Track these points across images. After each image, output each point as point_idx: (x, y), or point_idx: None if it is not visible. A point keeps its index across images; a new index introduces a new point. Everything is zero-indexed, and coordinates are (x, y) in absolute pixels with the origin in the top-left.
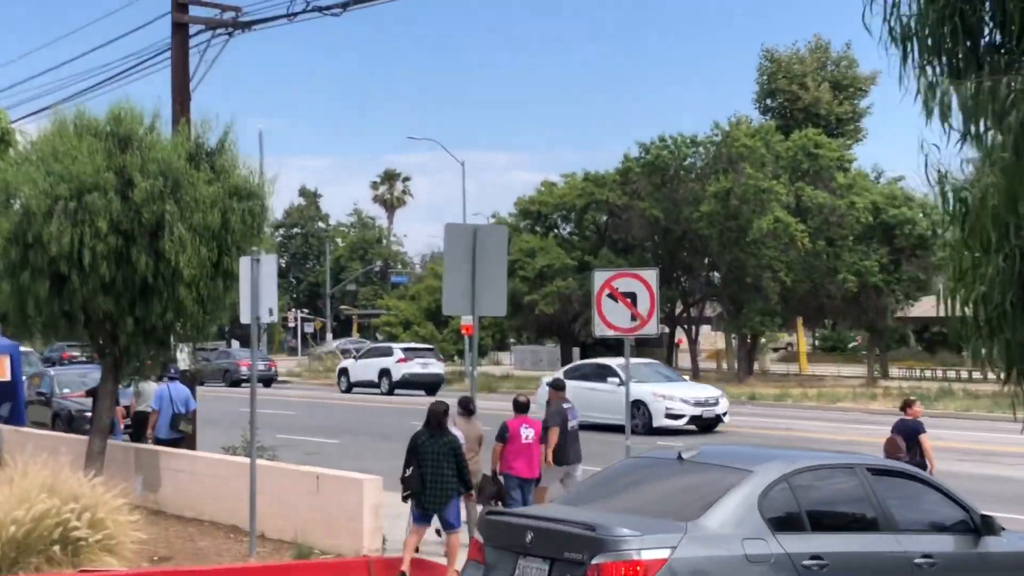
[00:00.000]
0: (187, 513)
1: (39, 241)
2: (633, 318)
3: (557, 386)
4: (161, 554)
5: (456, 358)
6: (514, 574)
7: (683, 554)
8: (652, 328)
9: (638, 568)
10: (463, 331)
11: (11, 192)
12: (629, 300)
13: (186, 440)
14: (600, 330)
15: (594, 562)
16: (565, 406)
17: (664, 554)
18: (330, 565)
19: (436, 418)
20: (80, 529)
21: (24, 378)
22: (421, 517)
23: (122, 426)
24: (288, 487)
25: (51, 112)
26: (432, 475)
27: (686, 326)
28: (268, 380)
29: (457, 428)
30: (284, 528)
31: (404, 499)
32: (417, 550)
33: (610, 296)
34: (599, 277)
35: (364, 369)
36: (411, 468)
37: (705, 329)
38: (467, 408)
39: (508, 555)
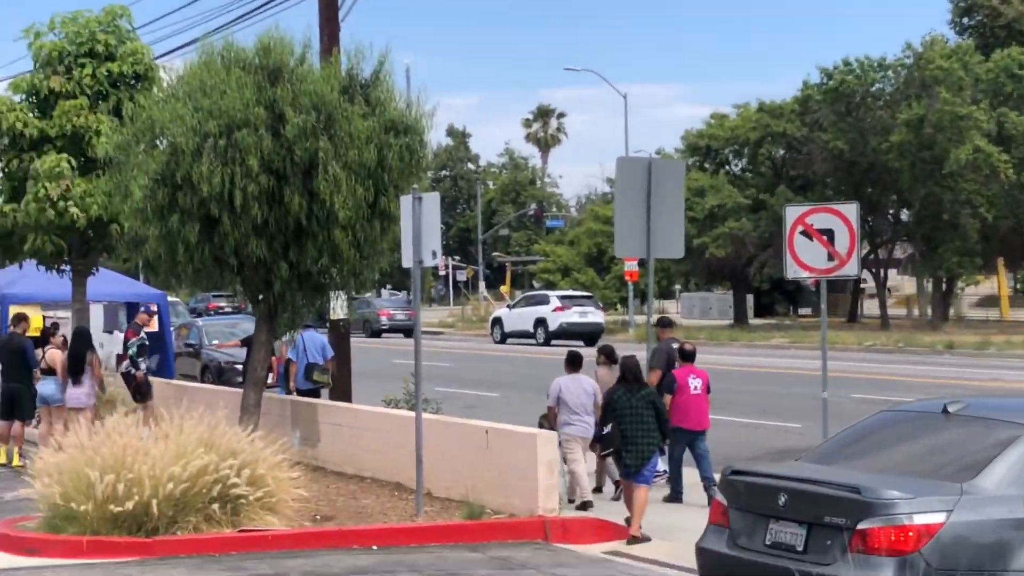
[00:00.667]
0: (348, 469)
1: (188, 181)
2: (830, 258)
3: (663, 324)
4: (323, 513)
5: (619, 306)
6: (765, 539)
7: (960, 518)
8: (852, 268)
9: (910, 534)
10: (626, 277)
11: (157, 131)
12: (825, 238)
13: (330, 391)
14: (792, 271)
15: (860, 527)
16: (674, 344)
17: (939, 518)
18: (503, 526)
19: (632, 372)
20: (239, 486)
21: (171, 329)
22: (627, 474)
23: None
24: (455, 443)
25: (198, 45)
26: (633, 430)
27: (873, 269)
28: (408, 330)
29: (598, 377)
30: (451, 486)
31: (603, 457)
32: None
33: (804, 234)
34: (791, 213)
35: (519, 319)
36: (610, 425)
37: (891, 273)
38: (610, 357)
39: (757, 518)
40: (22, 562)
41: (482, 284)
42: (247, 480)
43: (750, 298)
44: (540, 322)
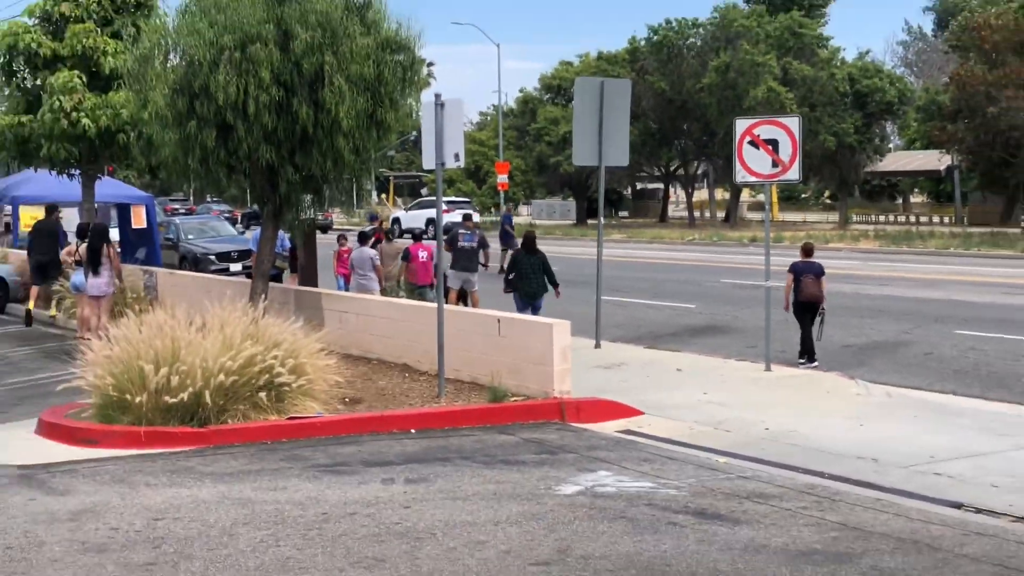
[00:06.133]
0: (353, 351)
1: (205, 91)
2: (775, 164)
3: (466, 217)
4: (350, 395)
5: (492, 210)
6: None
7: None
8: (794, 174)
9: None
10: (499, 187)
11: (171, 45)
12: (771, 147)
13: (300, 278)
14: (741, 176)
15: None
16: (461, 231)
17: None
18: (523, 407)
19: (531, 243)
20: (284, 375)
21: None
22: (524, 306)
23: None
24: (464, 330)
25: None
26: (530, 279)
27: (680, 183)
28: (325, 227)
29: (381, 250)
30: (460, 368)
31: (506, 291)
32: None
33: (751, 143)
34: (740, 125)
35: (414, 218)
36: (513, 274)
37: (675, 186)
38: (364, 238)
39: None
40: (82, 453)
41: (374, 192)
42: (290, 369)
43: (585, 204)
44: (430, 221)
